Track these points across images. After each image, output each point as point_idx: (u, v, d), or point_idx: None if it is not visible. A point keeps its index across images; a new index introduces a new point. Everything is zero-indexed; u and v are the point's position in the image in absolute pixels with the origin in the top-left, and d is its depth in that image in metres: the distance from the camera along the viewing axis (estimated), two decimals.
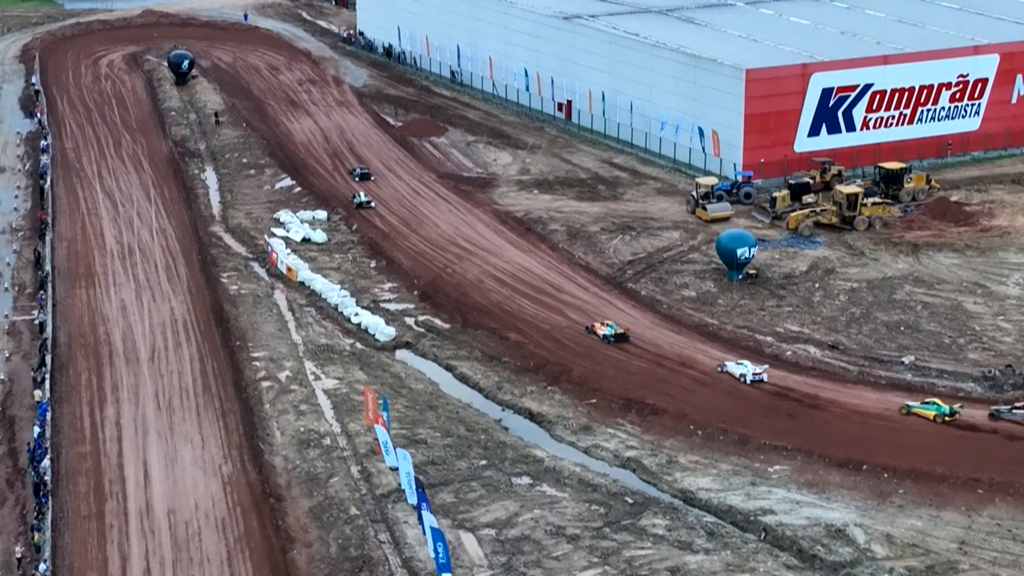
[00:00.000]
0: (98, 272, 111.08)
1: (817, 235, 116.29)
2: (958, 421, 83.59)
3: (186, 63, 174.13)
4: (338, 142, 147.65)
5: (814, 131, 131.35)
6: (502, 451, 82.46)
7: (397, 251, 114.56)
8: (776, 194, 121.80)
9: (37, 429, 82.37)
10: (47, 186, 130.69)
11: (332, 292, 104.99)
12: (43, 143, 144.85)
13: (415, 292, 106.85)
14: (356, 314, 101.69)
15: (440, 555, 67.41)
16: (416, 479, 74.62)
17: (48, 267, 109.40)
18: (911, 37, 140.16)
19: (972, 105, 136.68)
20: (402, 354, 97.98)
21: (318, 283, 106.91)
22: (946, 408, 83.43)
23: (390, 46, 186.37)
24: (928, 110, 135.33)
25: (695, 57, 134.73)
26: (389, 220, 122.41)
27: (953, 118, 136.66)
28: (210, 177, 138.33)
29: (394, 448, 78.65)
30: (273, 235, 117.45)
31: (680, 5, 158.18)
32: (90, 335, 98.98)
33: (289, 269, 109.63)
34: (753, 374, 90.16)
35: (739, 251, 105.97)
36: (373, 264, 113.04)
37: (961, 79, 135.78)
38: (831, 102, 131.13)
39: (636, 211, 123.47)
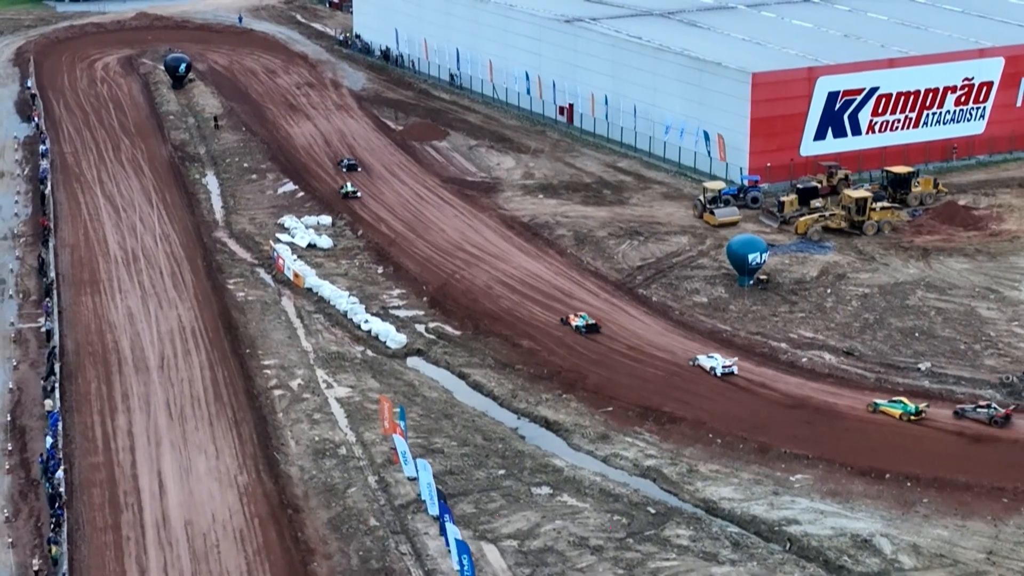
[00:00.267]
0: (103, 279, 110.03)
1: (826, 240, 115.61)
2: (924, 420, 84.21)
3: (183, 66, 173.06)
4: (339, 146, 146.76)
5: (820, 135, 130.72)
6: (520, 460, 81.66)
7: (404, 257, 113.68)
8: (784, 198, 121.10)
9: (49, 439, 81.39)
10: (48, 191, 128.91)
11: (341, 299, 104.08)
12: (42, 147, 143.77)
13: (424, 299, 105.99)
14: (366, 321, 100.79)
15: (465, 568, 66.58)
16: (439, 490, 73.57)
17: (53, 274, 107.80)
18: (915, 40, 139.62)
19: (977, 108, 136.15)
20: (413, 361, 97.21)
21: (326, 290, 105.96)
22: (912, 407, 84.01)
23: (387, 49, 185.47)
24: (933, 114, 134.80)
25: (700, 61, 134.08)
26: (394, 225, 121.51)
27: (958, 121, 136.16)
28: (211, 182, 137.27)
29: (413, 458, 77.55)
30: (278, 241, 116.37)
31: (681, 8, 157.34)
32: (98, 343, 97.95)
33: (296, 275, 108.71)
34: (723, 367, 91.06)
35: (751, 256, 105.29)
36: (380, 270, 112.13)
37: (966, 82, 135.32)
38: (837, 106, 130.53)
39: (643, 216, 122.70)
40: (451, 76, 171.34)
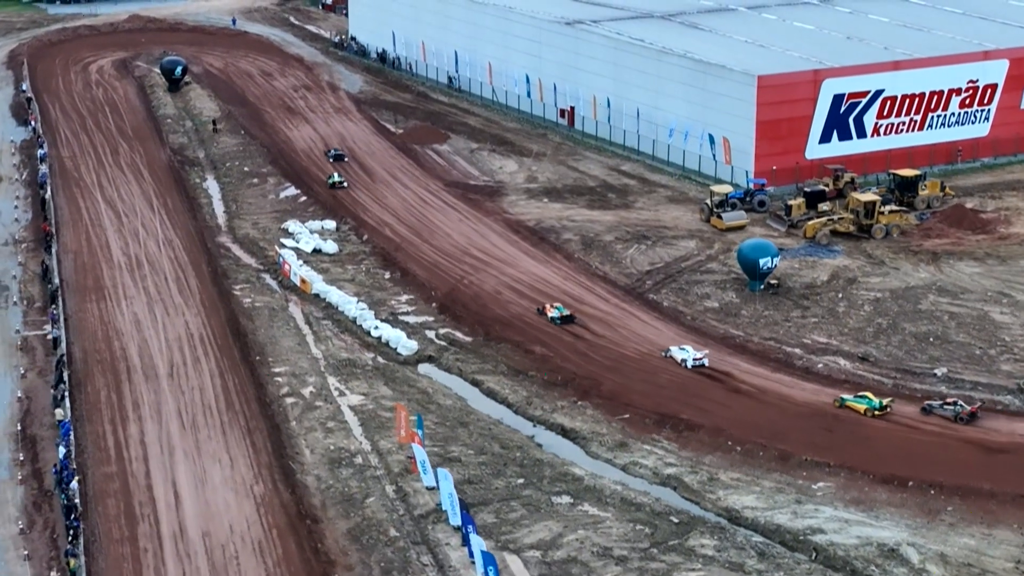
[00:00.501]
0: (107, 285, 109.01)
1: (834, 244, 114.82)
2: (890, 415, 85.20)
3: (179, 69, 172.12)
4: (339, 149, 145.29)
5: (825, 138, 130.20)
6: (539, 469, 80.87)
7: (411, 262, 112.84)
8: (791, 202, 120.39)
9: (62, 449, 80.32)
10: (48, 196, 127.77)
11: (349, 305, 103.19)
12: (40, 152, 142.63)
13: (433, 304, 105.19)
14: (376, 327, 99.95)
15: None
16: (461, 500, 72.72)
17: (57, 280, 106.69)
18: (918, 42, 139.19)
19: (981, 111, 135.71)
20: (425, 368, 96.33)
21: (334, 295, 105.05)
22: (876, 402, 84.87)
23: (384, 51, 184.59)
24: (938, 116, 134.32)
25: (704, 63, 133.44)
26: (399, 230, 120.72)
27: (963, 124, 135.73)
28: (212, 186, 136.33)
29: (432, 467, 76.74)
30: (283, 246, 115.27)
31: (682, 10, 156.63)
32: (105, 350, 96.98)
33: (303, 281, 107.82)
34: (694, 359, 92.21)
35: (762, 261, 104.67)
36: (387, 275, 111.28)
37: (971, 85, 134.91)
38: (842, 108, 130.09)
39: (649, 220, 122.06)
40: (449, 79, 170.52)
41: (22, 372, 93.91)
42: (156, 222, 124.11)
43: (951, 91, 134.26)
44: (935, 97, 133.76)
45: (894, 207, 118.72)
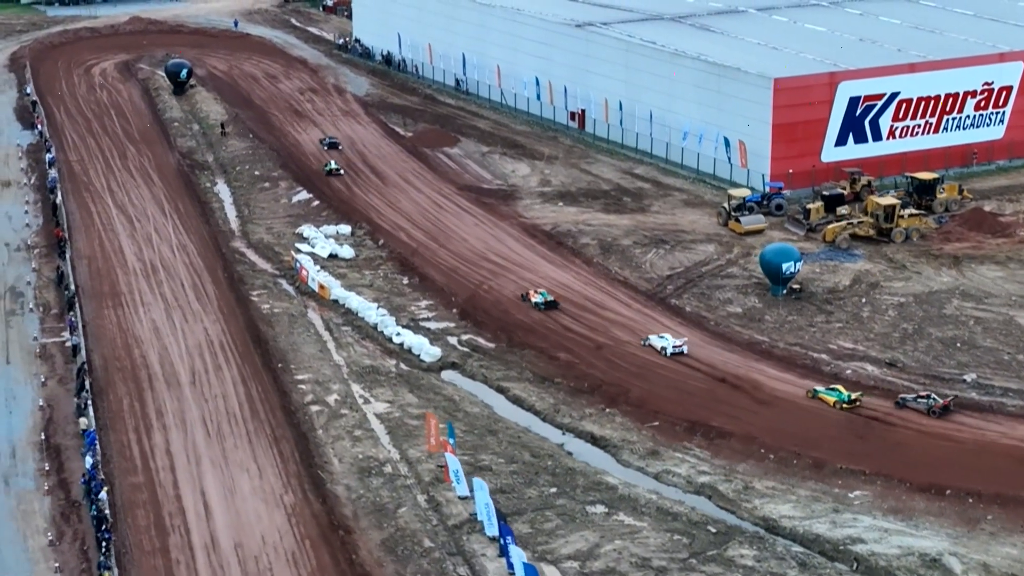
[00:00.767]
0: (124, 291, 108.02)
1: (854, 247, 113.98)
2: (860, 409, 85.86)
3: (184, 72, 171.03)
4: (349, 153, 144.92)
5: (841, 140, 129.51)
6: (572, 478, 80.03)
7: (428, 267, 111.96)
8: (810, 205, 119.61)
9: (89, 459, 79.26)
10: (59, 201, 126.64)
11: (370, 311, 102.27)
12: (48, 156, 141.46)
13: (454, 310, 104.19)
14: (398, 334, 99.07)
15: None
16: (497, 511, 71.84)
17: (73, 287, 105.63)
18: (932, 44, 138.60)
19: (996, 113, 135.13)
20: (449, 375, 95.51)
21: (354, 301, 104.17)
22: (846, 395, 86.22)
23: (389, 54, 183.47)
24: (953, 118, 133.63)
25: (718, 66, 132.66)
26: (415, 235, 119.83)
27: (978, 126, 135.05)
28: (223, 190, 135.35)
29: (465, 476, 75.93)
30: (299, 251, 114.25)
31: (692, 12, 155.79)
32: (125, 358, 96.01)
33: (321, 287, 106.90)
34: (673, 347, 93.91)
35: (784, 266, 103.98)
36: (406, 281, 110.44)
37: (986, 87, 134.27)
38: (858, 111, 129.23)
39: (666, 224, 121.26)
40: (457, 81, 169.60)
41: (42, 380, 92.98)
42: (169, 227, 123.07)
43: (966, 93, 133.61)
44: (950, 99, 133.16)
45: (913, 211, 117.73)
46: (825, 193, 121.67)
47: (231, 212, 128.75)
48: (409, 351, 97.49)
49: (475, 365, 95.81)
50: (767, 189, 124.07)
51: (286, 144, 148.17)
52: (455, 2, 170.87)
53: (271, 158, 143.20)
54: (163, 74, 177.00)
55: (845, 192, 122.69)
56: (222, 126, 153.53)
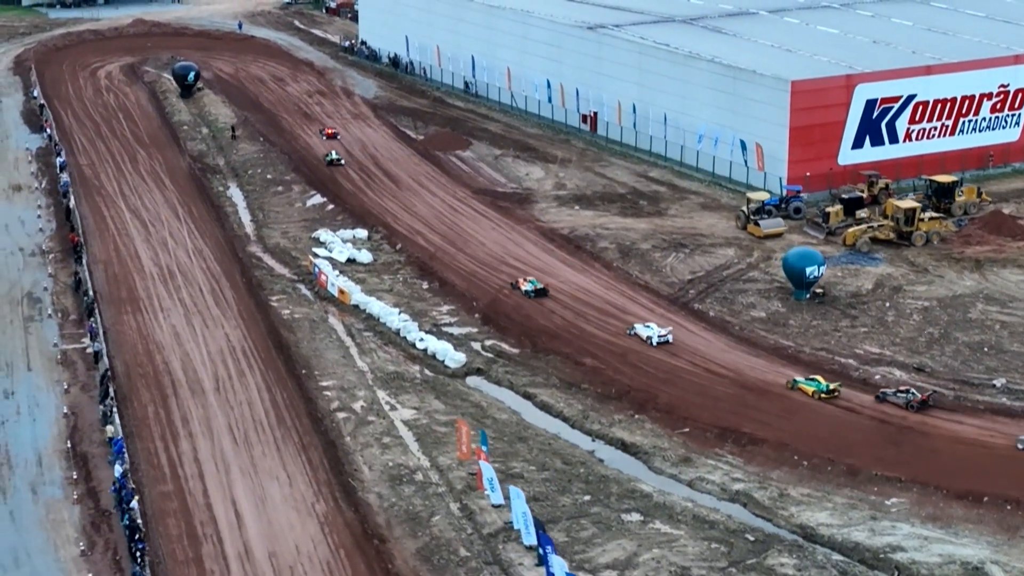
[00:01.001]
0: (142, 296, 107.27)
1: (875, 251, 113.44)
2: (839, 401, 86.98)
3: (192, 75, 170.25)
4: (361, 156, 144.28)
5: (858, 143, 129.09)
6: (605, 485, 79.40)
7: (448, 271, 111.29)
8: (829, 209, 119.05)
9: (119, 468, 78.44)
10: (72, 205, 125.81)
11: (392, 316, 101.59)
12: (59, 160, 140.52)
13: (476, 315, 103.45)
14: (421, 339, 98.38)
15: None
16: (535, 519, 71.20)
17: (92, 292, 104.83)
18: (945, 46, 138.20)
19: (1012, 116, 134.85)
20: (474, 381, 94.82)
21: (375, 306, 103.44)
22: (824, 385, 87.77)
23: (396, 56, 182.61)
24: (969, 121, 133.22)
25: (734, 68, 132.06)
26: (432, 239, 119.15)
27: (993, 129, 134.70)
28: (236, 194, 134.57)
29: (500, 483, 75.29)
30: (316, 255, 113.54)
31: (703, 14, 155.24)
32: (148, 364, 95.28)
33: (341, 292, 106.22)
34: (659, 336, 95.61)
35: (808, 270, 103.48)
36: (426, 285, 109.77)
37: (1002, 89, 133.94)
38: (875, 113, 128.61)
39: (684, 227, 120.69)
40: (466, 84, 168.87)
41: (65, 387, 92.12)
42: (184, 231, 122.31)
43: (982, 96, 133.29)
44: (966, 102, 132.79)
45: (933, 214, 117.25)
46: (844, 196, 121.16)
47: (245, 216, 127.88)
48: (433, 357, 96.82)
49: (500, 371, 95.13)
50: (784, 192, 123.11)
51: (297, 147, 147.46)
52: (464, 4, 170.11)
53: (283, 161, 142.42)
54: (169, 77, 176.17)
55: (863, 195, 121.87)
56: (232, 129, 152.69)
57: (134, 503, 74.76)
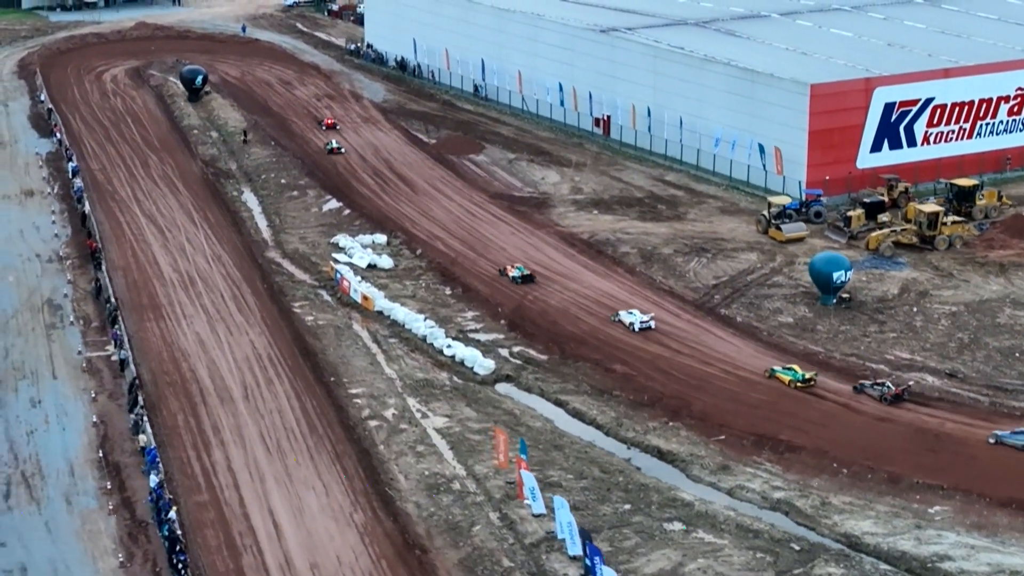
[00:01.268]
0: (163, 303, 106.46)
1: (898, 255, 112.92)
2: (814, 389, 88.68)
3: (200, 78, 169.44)
4: (374, 160, 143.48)
5: (876, 147, 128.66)
6: (645, 494, 78.78)
7: (470, 277, 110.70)
8: (851, 213, 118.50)
9: (154, 478, 77.62)
10: (87, 211, 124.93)
11: (417, 323, 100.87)
12: (71, 165, 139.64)
13: (502, 321, 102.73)
14: (448, 346, 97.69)
15: None
16: (582, 529, 70.56)
17: (114, 299, 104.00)
18: (960, 49, 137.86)
19: None
20: (504, 388, 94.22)
21: (400, 313, 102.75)
22: (801, 374, 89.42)
23: (403, 59, 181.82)
24: (987, 124, 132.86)
25: (752, 72, 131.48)
26: (452, 244, 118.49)
27: (1011, 132, 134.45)
28: (250, 199, 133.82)
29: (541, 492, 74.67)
30: (337, 261, 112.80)
31: (715, 17, 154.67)
32: (174, 372, 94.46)
33: (365, 298, 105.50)
34: (641, 322, 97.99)
35: (835, 275, 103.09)
36: (448, 291, 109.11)
37: (1019, 92, 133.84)
38: (893, 116, 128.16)
39: (705, 232, 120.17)
40: (475, 87, 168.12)
41: (92, 395, 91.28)
42: (201, 237, 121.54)
43: (999, 98, 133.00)
44: (984, 105, 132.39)
45: (956, 218, 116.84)
46: (866, 200, 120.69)
47: (261, 221, 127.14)
48: (461, 364, 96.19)
49: (530, 378, 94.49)
50: (804, 196, 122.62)
51: (309, 152, 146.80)
52: (472, 8, 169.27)
53: (296, 166, 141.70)
54: (175, 80, 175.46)
55: (884, 199, 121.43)
56: (244, 133, 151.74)
57: (172, 513, 73.70)
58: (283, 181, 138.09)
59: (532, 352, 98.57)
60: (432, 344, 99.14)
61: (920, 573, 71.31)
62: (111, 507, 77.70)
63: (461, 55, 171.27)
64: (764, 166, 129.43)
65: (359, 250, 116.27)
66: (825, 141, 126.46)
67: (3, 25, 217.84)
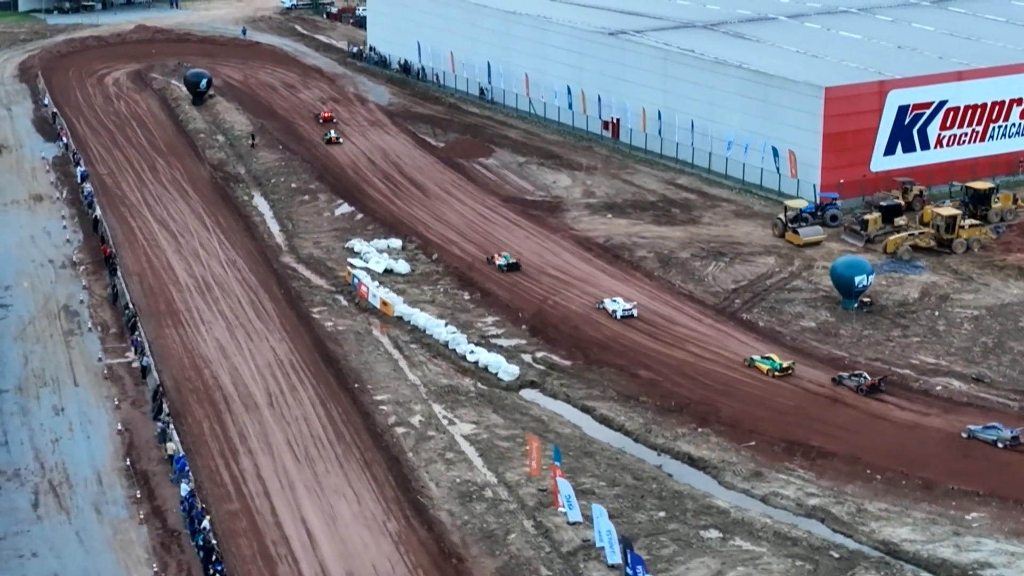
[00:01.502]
0: (181, 309, 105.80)
1: (916, 259, 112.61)
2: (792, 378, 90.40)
3: (204, 82, 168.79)
4: (384, 164, 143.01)
5: (890, 150, 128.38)
6: (680, 501, 78.31)
7: (488, 282, 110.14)
8: (868, 216, 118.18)
9: (185, 486, 76.96)
10: (99, 215, 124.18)
11: (439, 328, 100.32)
12: (80, 170, 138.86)
13: (523, 326, 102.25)
14: (471, 351, 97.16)
15: None
16: (622, 537, 70.07)
17: (132, 306, 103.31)
18: (970, 51, 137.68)
19: None
20: (529, 394, 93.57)
21: (420, 318, 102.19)
22: (779, 363, 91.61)
23: (407, 62, 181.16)
24: (999, 127, 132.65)
25: (765, 75, 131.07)
26: (467, 248, 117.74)
27: (1023, 135, 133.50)
28: (261, 204, 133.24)
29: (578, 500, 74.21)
30: (353, 266, 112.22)
31: (723, 19, 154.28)
32: (197, 379, 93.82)
33: (384, 303, 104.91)
34: (624, 310, 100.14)
35: (857, 279, 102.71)
36: (467, 296, 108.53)
37: None
38: (907, 119, 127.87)
39: (720, 235, 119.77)
40: (481, 90, 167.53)
41: (115, 403, 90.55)
42: (214, 242, 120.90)
43: (1012, 101, 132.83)
44: (996, 108, 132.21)
45: (973, 221, 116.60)
46: (882, 203, 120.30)
47: (274, 226, 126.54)
48: (485, 369, 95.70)
49: (555, 384, 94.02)
50: (819, 200, 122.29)
51: (318, 155, 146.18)
52: (478, 10, 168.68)
53: (305, 170, 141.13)
54: (179, 83, 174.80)
55: (900, 202, 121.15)
56: (252, 137, 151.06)
57: (206, 523, 73.10)
58: (293, 185, 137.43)
59: (555, 357, 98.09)
60: (455, 350, 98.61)
61: None
62: (142, 516, 77.07)
63: (466, 58, 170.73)
64: (778, 169, 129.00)
65: (375, 255, 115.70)
66: (839, 144, 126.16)
67: (1, 28, 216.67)
